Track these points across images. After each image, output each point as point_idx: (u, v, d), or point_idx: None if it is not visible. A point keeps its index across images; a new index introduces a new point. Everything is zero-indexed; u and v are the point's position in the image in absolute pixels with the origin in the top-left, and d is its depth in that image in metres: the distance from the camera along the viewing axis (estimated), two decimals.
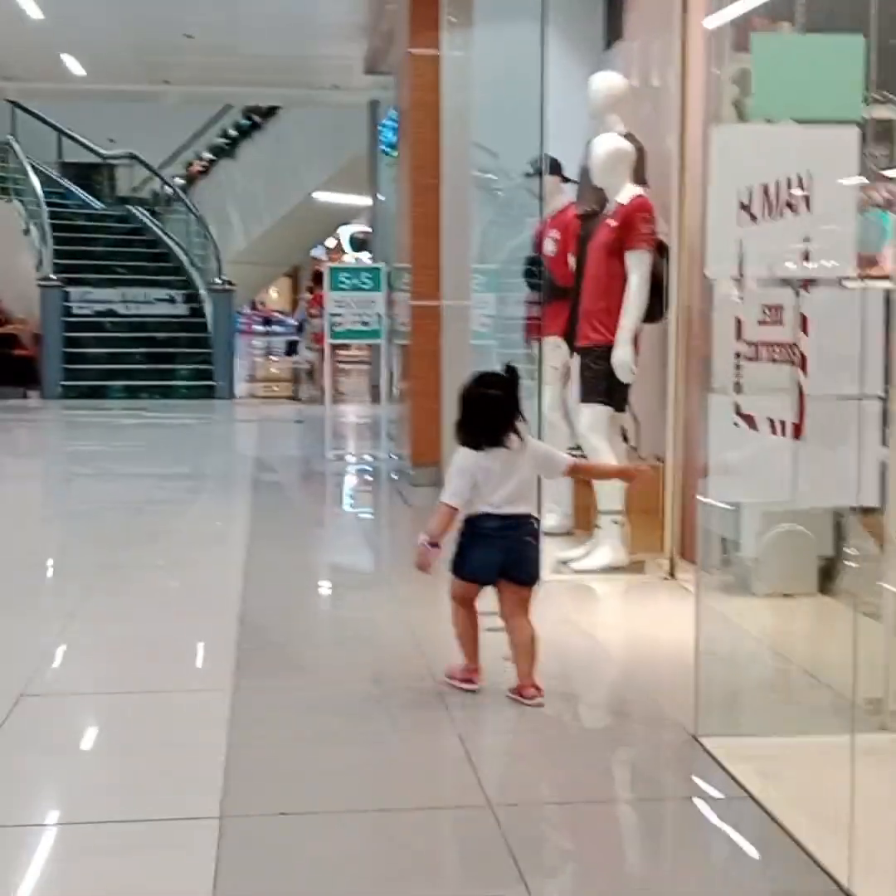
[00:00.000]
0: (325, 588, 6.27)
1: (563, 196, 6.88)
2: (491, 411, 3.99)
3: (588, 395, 5.97)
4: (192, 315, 18.10)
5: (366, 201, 21.05)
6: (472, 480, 3.96)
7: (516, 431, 4.01)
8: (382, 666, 4.48)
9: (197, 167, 21.27)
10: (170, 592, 5.70)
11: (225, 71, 15.42)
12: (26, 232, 18.30)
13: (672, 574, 5.86)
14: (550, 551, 5.72)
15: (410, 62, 8.70)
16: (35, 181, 18.15)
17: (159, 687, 4.20)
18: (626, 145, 6.07)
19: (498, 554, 4.00)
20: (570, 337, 6.44)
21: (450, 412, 4.57)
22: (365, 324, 10.59)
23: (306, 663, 4.61)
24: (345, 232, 29.21)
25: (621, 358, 5.85)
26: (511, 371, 4.06)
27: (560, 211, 6.81)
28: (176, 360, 17.41)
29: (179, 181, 20.83)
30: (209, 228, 18.61)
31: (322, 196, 20.28)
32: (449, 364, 8.67)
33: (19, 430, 14.01)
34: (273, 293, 33.15)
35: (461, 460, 4.00)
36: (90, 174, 21.54)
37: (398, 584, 5.66)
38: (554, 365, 6.65)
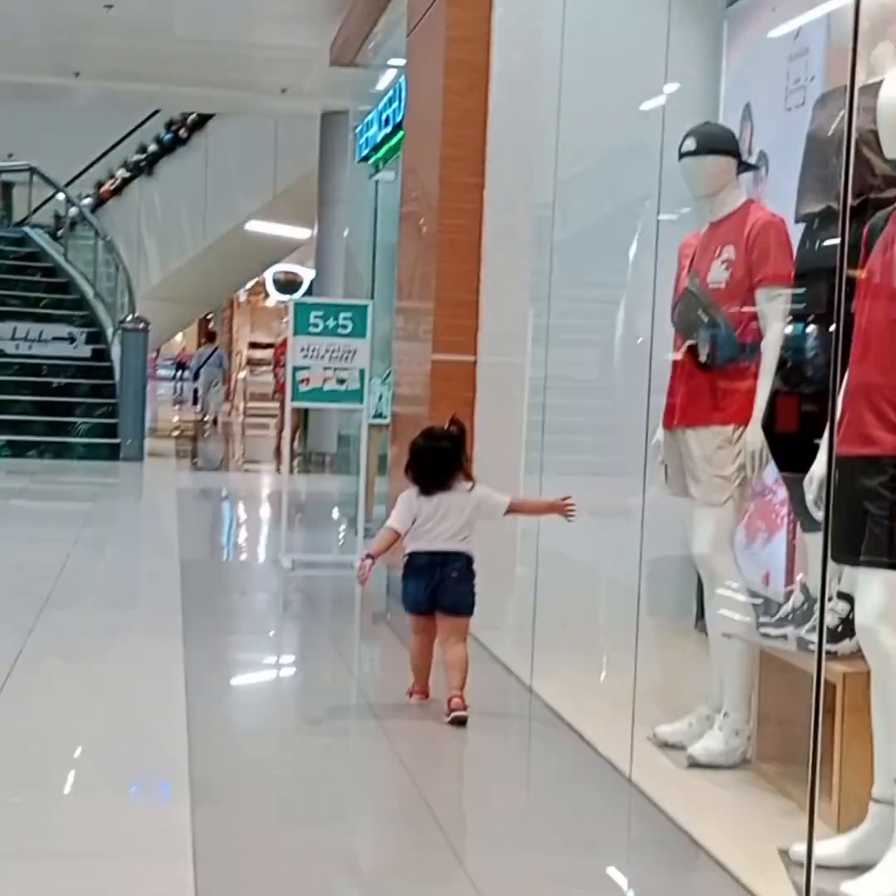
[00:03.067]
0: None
1: (738, 191, 4.16)
2: (437, 461, 4.54)
3: (875, 551, 3.18)
4: (96, 358, 15.08)
5: (304, 234, 18.30)
6: (414, 514, 4.50)
7: (464, 477, 4.55)
8: None
9: (109, 186, 18.26)
10: None
11: (149, 61, 12.55)
12: None
13: None
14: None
15: (447, 8, 5.96)
16: None
17: None
18: None
19: (424, 585, 4.52)
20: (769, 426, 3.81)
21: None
22: (341, 383, 7.76)
23: None
24: (269, 271, 26.30)
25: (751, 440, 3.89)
26: (458, 424, 4.63)
27: (733, 214, 4.10)
28: (74, 412, 14.38)
29: (87, 201, 17.82)
30: (121, 257, 15.59)
31: (257, 226, 17.38)
32: (487, 445, 5.90)
33: None
34: (179, 336, 29.95)
35: (408, 496, 4.57)
36: None
37: None
38: (721, 474, 3.96)
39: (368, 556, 4.47)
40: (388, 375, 9.73)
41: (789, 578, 4.76)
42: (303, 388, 7.71)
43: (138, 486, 12.92)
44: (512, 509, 4.61)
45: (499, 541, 5.47)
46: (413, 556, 4.52)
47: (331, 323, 7.74)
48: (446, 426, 4.61)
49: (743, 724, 3.96)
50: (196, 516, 10.29)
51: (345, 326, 7.74)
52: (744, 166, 4.18)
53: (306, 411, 17.11)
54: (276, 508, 9.25)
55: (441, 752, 4.38)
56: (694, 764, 3.95)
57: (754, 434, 3.90)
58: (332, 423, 13.16)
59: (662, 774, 3.93)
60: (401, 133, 8.21)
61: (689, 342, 4.09)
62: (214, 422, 20.54)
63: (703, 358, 4.05)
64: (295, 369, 7.71)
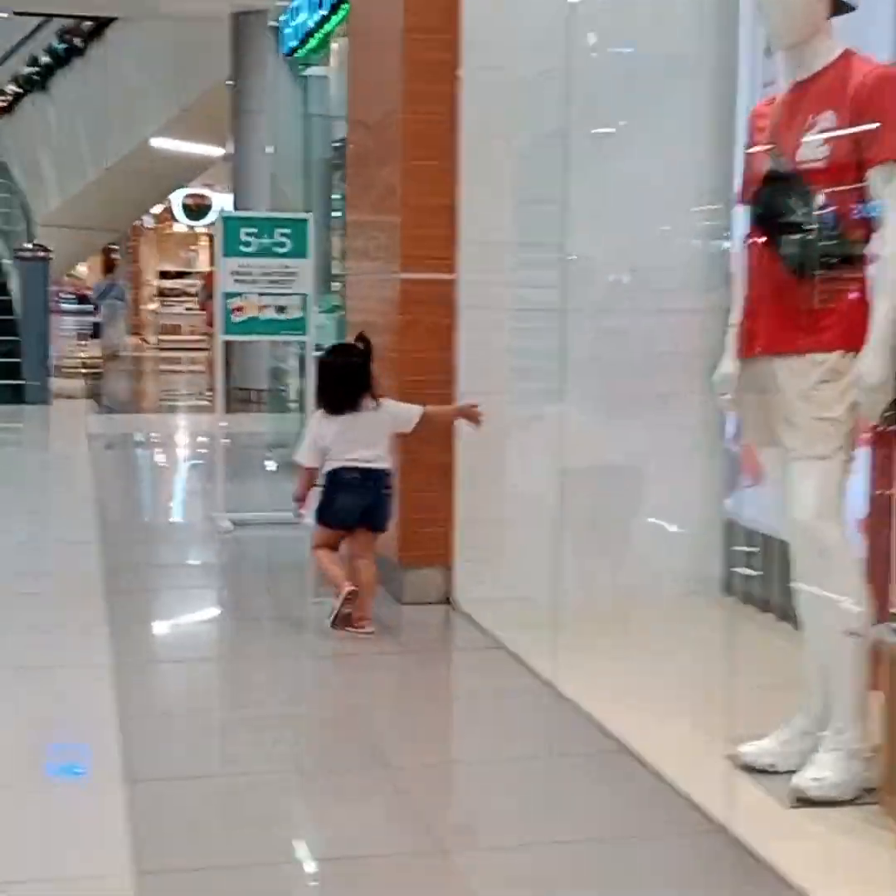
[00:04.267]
0: None
1: (832, 40, 3.13)
2: (347, 379, 4.52)
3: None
4: None
5: (215, 152, 16.92)
6: (322, 443, 4.51)
7: (371, 395, 4.52)
8: None
9: None
10: None
11: None
12: None
13: None
14: None
15: None
16: None
17: None
18: None
19: (360, 500, 4.52)
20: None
21: (469, 474, 4.86)
22: (281, 310, 6.66)
23: None
24: (177, 196, 24.77)
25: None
26: (365, 341, 4.56)
27: (829, 68, 3.08)
28: None
29: None
30: (15, 181, 14.16)
31: (162, 143, 15.94)
32: (472, 378, 4.89)
33: None
34: (82, 267, 28.16)
35: (313, 424, 4.61)
36: None
37: None
38: (826, 416, 3.00)
39: (296, 500, 4.71)
40: (332, 307, 8.62)
41: None
42: (236, 318, 6.60)
43: (45, 433, 11.69)
44: (426, 418, 4.62)
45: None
46: (340, 471, 4.50)
47: (265, 241, 6.63)
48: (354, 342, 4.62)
49: (861, 744, 3.03)
50: (113, 469, 9.14)
51: (282, 244, 6.63)
52: (840, 6, 3.15)
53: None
54: (207, 458, 8.18)
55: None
56: (802, 799, 3.01)
57: (871, 361, 2.92)
58: (262, 356, 12.01)
59: (758, 813, 2.99)
60: (341, 12, 7.03)
61: (775, 241, 3.08)
62: (115, 356, 19.33)
63: (796, 262, 3.04)
64: (225, 296, 6.59)
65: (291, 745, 3.62)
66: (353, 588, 4.46)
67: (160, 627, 5.06)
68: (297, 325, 6.69)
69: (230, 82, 13.19)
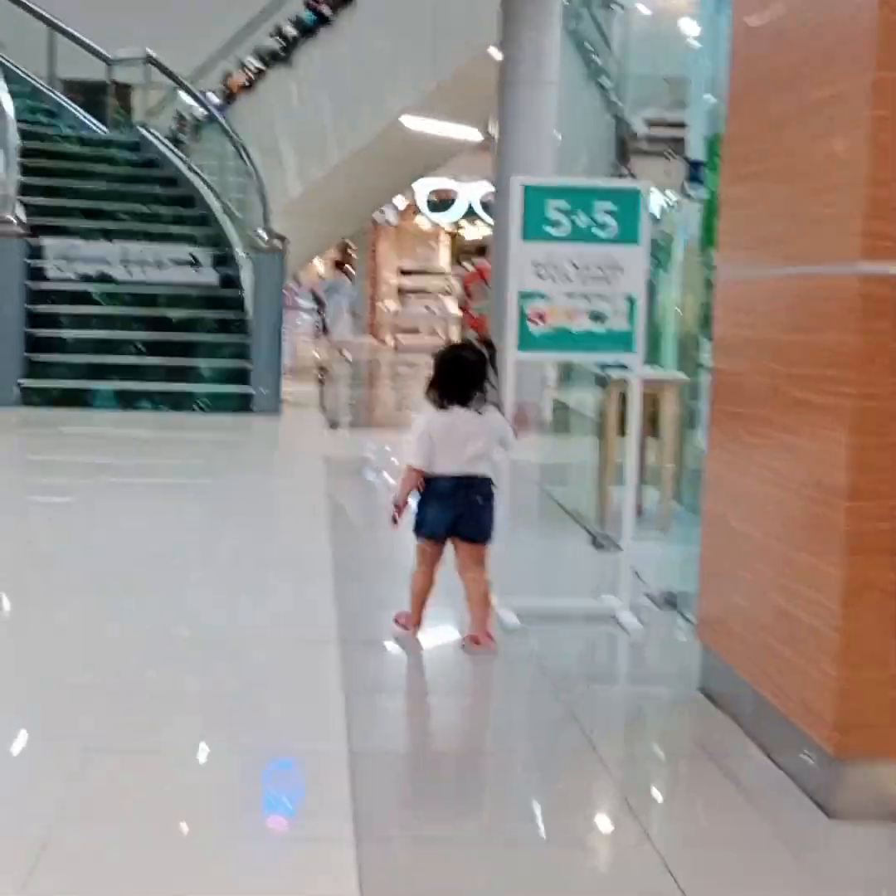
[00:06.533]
0: None
1: None
2: (462, 372, 4.32)
3: None
4: (224, 285, 12.30)
5: (469, 134, 15.15)
6: (431, 441, 4.25)
7: (482, 397, 4.31)
8: None
9: (239, 80, 15.28)
10: None
11: None
12: None
13: None
14: None
15: None
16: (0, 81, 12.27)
17: None
18: None
19: (448, 511, 4.27)
20: None
21: None
22: (597, 318, 4.71)
23: None
24: (421, 187, 23.14)
25: None
26: (488, 344, 4.42)
27: None
28: (196, 353, 11.62)
29: (215, 100, 14.90)
30: (254, 164, 12.66)
31: (415, 122, 14.19)
32: None
33: None
34: (316, 262, 26.75)
35: (420, 422, 4.31)
36: (95, 91, 15.62)
37: None
38: None
39: (396, 506, 4.33)
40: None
41: None
42: (535, 329, 4.69)
43: (273, 453, 10.06)
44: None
45: None
46: (436, 481, 4.28)
47: (581, 220, 4.69)
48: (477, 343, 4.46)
49: None
50: (351, 512, 7.29)
51: (604, 225, 4.68)
52: None
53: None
54: None
55: None
56: None
57: None
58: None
59: None
60: None
61: None
62: (340, 358, 18.65)
63: None
64: (522, 298, 4.68)
65: None
66: (414, 638, 4.43)
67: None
68: (621, 341, 4.74)
69: (496, 50, 11.37)
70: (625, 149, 7.96)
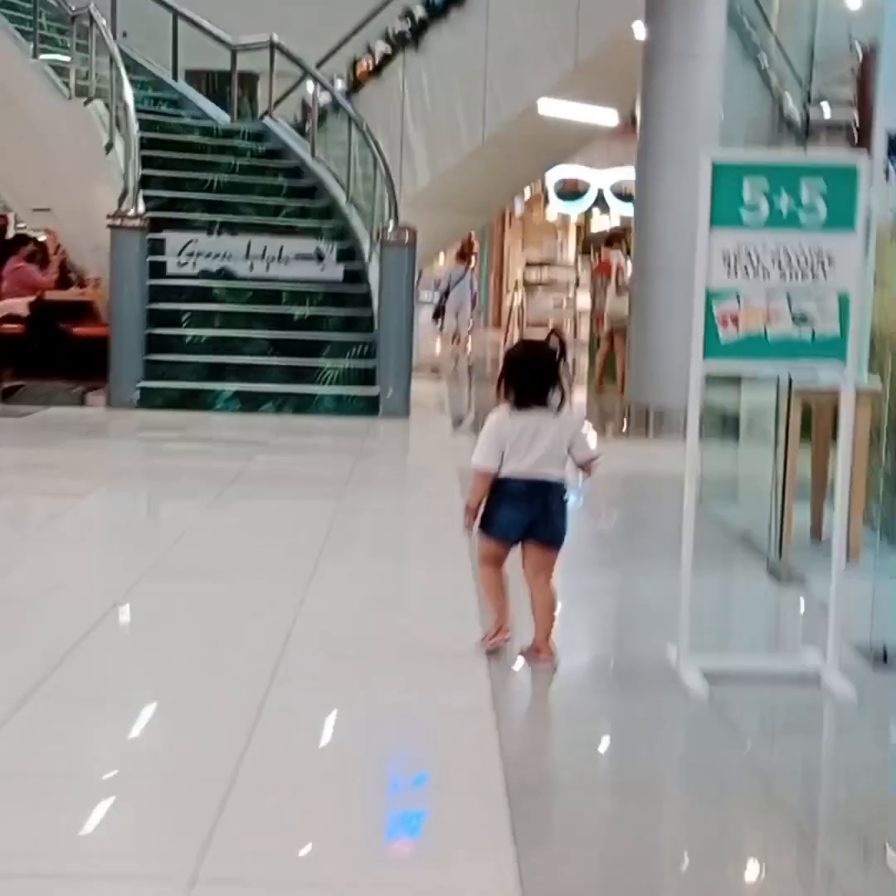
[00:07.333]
0: None
1: None
2: (535, 371, 4.16)
3: None
4: (349, 281, 11.69)
5: (609, 118, 14.31)
6: (503, 442, 4.08)
7: (555, 394, 4.14)
8: None
9: (366, 66, 14.65)
10: None
11: None
12: (109, 148, 12.07)
13: None
14: None
15: None
16: (122, 70, 11.80)
17: None
18: None
19: (524, 514, 4.09)
20: None
21: None
22: (802, 321, 3.91)
23: None
24: (552, 175, 22.29)
25: None
26: (560, 342, 4.21)
27: None
28: (321, 353, 11.02)
29: (341, 87, 14.30)
30: (382, 153, 12.02)
31: (552, 107, 13.40)
32: None
33: (45, 477, 7.64)
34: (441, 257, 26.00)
35: (493, 422, 4.14)
36: (218, 81, 15.18)
37: None
38: None
39: (469, 511, 4.14)
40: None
41: None
42: (726, 335, 3.90)
43: (403, 463, 9.40)
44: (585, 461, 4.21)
45: None
46: (508, 482, 4.09)
47: (782, 204, 3.89)
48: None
49: None
50: None
51: (811, 208, 3.88)
52: None
53: (611, 338, 13.29)
54: (633, 527, 5.58)
55: None
56: None
57: None
58: (666, 360, 9.29)
59: None
60: None
61: None
62: (458, 353, 18.24)
63: None
64: (710, 298, 3.90)
65: None
66: (508, 638, 4.19)
67: None
68: (830, 348, 3.93)
69: (641, 24, 10.55)
70: (805, 132, 7.16)
